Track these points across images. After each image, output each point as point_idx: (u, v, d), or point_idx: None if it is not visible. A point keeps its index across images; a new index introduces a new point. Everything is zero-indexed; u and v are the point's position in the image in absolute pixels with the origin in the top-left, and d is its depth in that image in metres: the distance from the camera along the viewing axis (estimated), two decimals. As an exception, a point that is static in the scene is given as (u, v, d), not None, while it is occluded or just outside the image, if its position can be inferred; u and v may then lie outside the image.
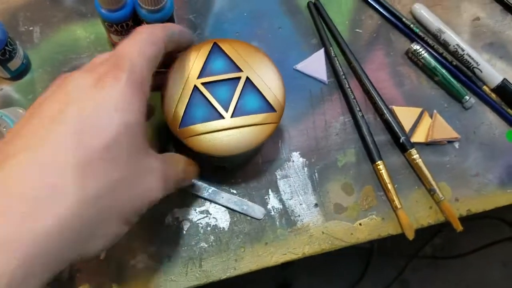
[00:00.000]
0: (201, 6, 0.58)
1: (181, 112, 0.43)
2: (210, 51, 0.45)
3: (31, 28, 0.56)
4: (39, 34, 0.56)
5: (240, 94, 0.44)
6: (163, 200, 0.50)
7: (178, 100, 0.43)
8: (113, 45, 0.55)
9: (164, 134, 0.53)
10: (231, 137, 0.43)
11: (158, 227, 0.50)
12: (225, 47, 0.46)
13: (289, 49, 0.58)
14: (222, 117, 0.43)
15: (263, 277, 1.25)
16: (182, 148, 0.52)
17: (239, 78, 0.45)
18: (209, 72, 0.45)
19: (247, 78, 0.45)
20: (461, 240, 1.33)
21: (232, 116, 0.43)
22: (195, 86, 0.44)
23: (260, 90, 0.44)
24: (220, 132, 0.43)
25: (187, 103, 0.43)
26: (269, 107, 0.44)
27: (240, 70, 0.45)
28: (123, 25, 0.49)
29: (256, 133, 0.44)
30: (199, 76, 0.44)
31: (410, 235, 0.51)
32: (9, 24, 0.55)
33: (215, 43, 0.46)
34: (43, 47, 0.55)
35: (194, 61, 0.45)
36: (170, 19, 0.50)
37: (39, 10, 0.56)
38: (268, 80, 0.45)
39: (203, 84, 0.44)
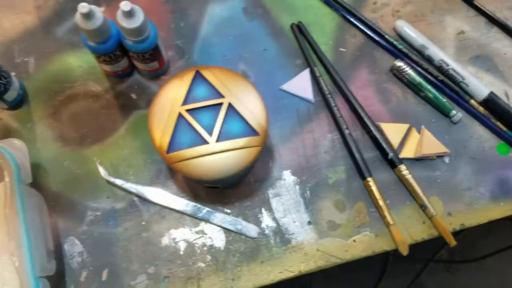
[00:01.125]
0: (188, 31, 0.60)
1: (167, 138, 0.45)
2: (193, 79, 0.47)
3: (26, 59, 0.58)
4: (34, 65, 0.58)
5: (223, 120, 0.46)
6: (159, 221, 0.52)
7: (164, 127, 0.45)
8: (106, 73, 0.57)
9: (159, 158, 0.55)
10: (216, 161, 0.45)
11: (155, 249, 0.52)
12: (206, 74, 0.47)
13: (275, 70, 0.59)
14: (206, 142, 0.45)
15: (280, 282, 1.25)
16: (175, 171, 0.54)
17: (221, 104, 0.46)
18: (192, 99, 0.46)
19: (229, 104, 0.46)
20: (480, 244, 1.29)
21: (216, 141, 0.45)
22: (179, 113, 0.45)
23: (242, 115, 0.46)
24: (205, 157, 0.45)
25: (173, 129, 0.45)
26: (252, 131, 0.46)
27: (222, 96, 0.46)
28: (111, 55, 0.51)
29: (241, 157, 0.45)
30: (183, 103, 0.46)
31: (404, 251, 0.51)
32: (5, 56, 0.58)
33: (197, 71, 0.47)
34: (38, 77, 0.58)
35: (178, 89, 0.46)
36: (155, 49, 0.52)
37: (33, 42, 0.59)
38: (250, 105, 0.46)
39: (187, 111, 0.46)
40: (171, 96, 0.46)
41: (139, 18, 0.46)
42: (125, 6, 0.44)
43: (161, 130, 0.45)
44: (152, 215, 0.53)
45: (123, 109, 0.57)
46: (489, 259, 1.27)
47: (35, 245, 0.45)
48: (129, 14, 0.45)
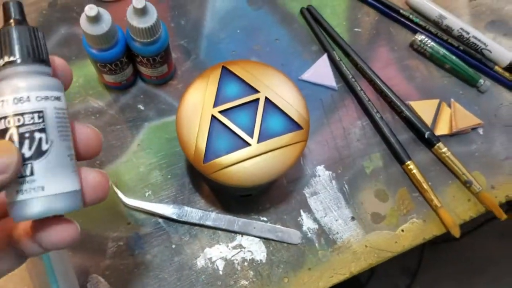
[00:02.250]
0: (191, 29, 0.55)
1: (202, 146, 0.39)
2: (220, 76, 0.42)
3: (12, 82, 0.51)
4: (23, 87, 0.51)
5: (262, 117, 0.41)
6: (190, 242, 0.47)
7: (197, 134, 0.40)
8: (106, 85, 0.51)
9: (192, 170, 0.50)
10: (260, 164, 0.40)
11: (191, 273, 0.46)
12: (235, 69, 0.42)
13: (290, 60, 0.55)
14: (248, 144, 0.40)
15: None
16: (209, 181, 0.48)
17: (257, 100, 0.41)
18: (224, 99, 0.41)
19: (266, 98, 0.41)
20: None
21: (258, 142, 0.40)
22: (212, 116, 0.40)
23: (282, 108, 0.41)
24: (248, 161, 0.40)
25: (208, 135, 0.40)
26: (295, 125, 0.41)
27: (256, 91, 0.41)
28: (117, 63, 0.45)
29: (286, 156, 0.40)
30: (215, 105, 0.41)
31: (456, 233, 0.48)
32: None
33: (223, 67, 0.42)
34: (29, 100, 0.51)
35: (206, 90, 0.41)
36: (166, 51, 0.46)
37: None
38: (288, 97, 0.42)
39: (220, 112, 0.41)
40: (199, 99, 0.41)
41: (153, 15, 0.41)
42: (138, 2, 0.39)
43: (194, 139, 0.40)
44: (182, 236, 0.48)
45: (131, 123, 0.51)
46: (468, 235, 1.29)
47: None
48: (142, 11, 0.40)
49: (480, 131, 0.53)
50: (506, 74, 0.55)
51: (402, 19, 0.56)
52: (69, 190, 0.23)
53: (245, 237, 0.48)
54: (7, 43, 0.22)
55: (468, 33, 0.55)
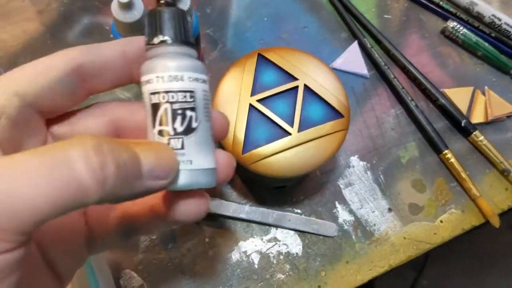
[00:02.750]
0: (217, 18, 0.53)
1: (241, 136, 0.38)
2: (256, 64, 0.41)
3: (35, 74, 0.50)
4: (46, 79, 0.50)
5: (302, 105, 0.39)
6: (224, 235, 0.46)
7: (235, 124, 0.38)
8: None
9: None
10: (301, 153, 0.38)
11: (226, 266, 0.45)
12: (271, 56, 0.41)
13: (320, 48, 0.53)
14: (288, 133, 0.38)
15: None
16: (242, 173, 0.47)
17: (296, 88, 0.40)
18: (261, 87, 0.40)
19: (305, 85, 0.40)
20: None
21: (299, 131, 0.39)
22: (250, 105, 0.39)
23: (322, 96, 0.40)
24: (288, 151, 0.38)
25: (246, 125, 0.38)
26: (335, 114, 0.40)
27: (295, 78, 0.40)
28: (147, 52, 0.44)
29: (327, 145, 0.39)
30: (252, 94, 0.39)
31: (496, 223, 0.47)
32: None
33: (259, 54, 0.41)
34: (53, 93, 0.49)
35: (242, 78, 0.40)
36: (197, 39, 0.45)
37: (42, 51, 0.50)
38: (327, 84, 0.40)
39: (258, 101, 0.39)
40: (235, 88, 0.39)
41: (186, 2, 0.39)
42: (173, -13, 0.37)
43: (232, 129, 0.38)
44: (215, 229, 0.46)
45: (159, 114, 0.49)
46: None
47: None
48: (177, -3, 0.38)
49: (516, 118, 0.52)
50: (541, 60, 0.53)
51: (432, 6, 0.55)
52: (210, 167, 0.24)
53: (279, 230, 0.47)
54: (166, 23, 0.22)
55: (500, 20, 0.53)
